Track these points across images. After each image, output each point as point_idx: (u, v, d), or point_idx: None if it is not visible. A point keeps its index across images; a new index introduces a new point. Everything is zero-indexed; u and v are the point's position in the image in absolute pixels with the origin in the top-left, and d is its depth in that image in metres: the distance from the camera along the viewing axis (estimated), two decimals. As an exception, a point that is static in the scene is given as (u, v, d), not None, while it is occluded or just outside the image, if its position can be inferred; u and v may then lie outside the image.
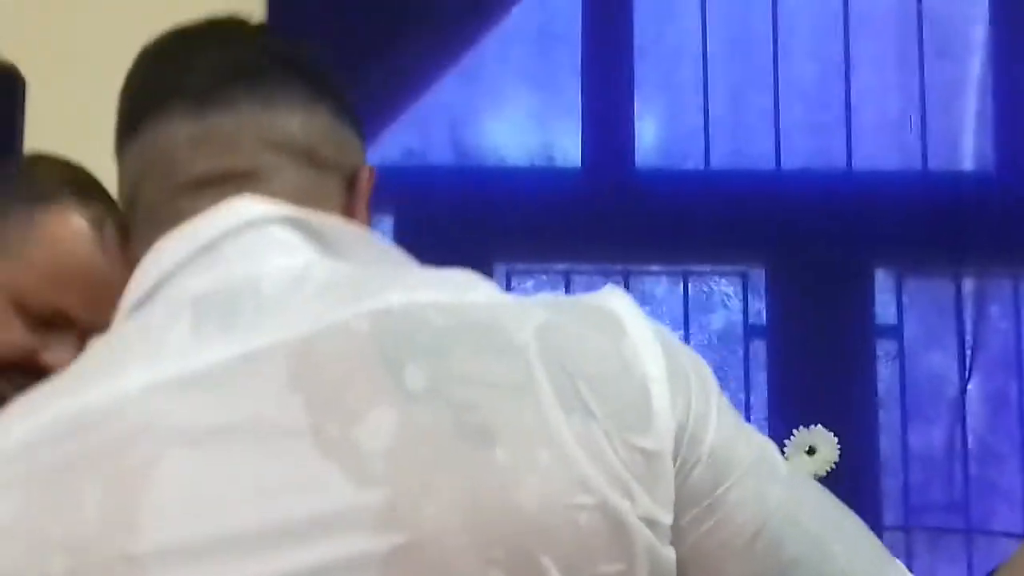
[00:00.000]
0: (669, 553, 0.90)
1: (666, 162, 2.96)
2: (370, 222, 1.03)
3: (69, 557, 0.81)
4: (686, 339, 2.91)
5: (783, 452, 2.71)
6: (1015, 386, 2.82)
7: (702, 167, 2.93)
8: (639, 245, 2.89)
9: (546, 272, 2.94)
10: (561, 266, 2.92)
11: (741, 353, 2.87)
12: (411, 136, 2.92)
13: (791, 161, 2.94)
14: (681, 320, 2.90)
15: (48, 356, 1.53)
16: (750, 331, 2.90)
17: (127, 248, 0.99)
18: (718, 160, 2.93)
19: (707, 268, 2.95)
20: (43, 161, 1.58)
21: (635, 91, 2.96)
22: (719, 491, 0.92)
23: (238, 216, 0.92)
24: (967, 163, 2.96)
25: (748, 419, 2.78)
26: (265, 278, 0.90)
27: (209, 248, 0.91)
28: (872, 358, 2.87)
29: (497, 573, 0.83)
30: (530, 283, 2.91)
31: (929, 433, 2.79)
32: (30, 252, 1.48)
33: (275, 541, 0.81)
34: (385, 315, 0.88)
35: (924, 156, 2.93)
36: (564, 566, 0.85)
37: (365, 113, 2.88)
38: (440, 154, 2.89)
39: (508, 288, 2.90)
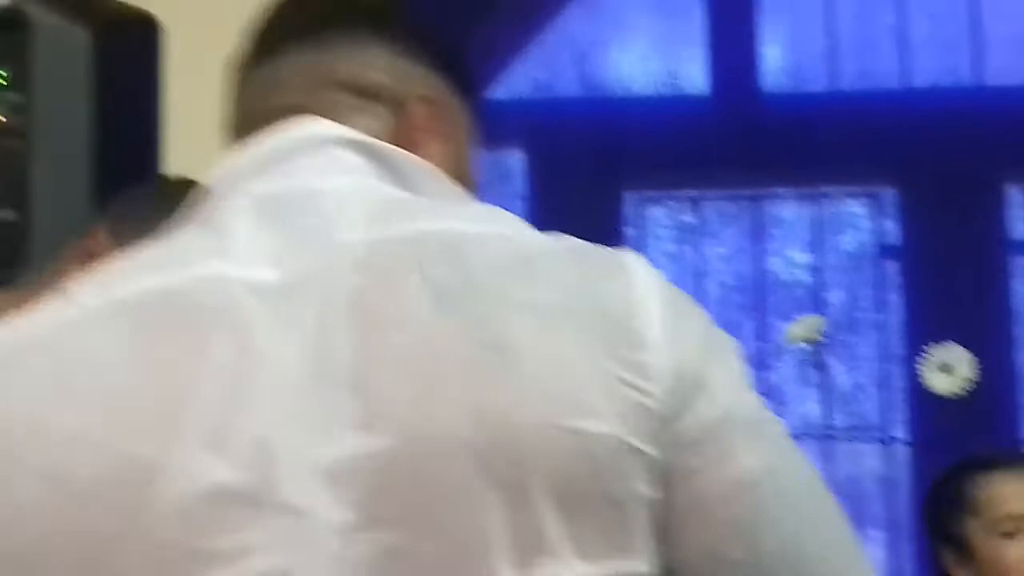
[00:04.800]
0: (656, 492, 0.90)
1: (793, 85, 2.97)
2: (445, 151, 1.07)
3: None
4: (817, 260, 2.93)
5: (918, 371, 2.73)
6: None
7: (829, 88, 2.94)
8: (767, 168, 2.90)
9: (674, 198, 2.97)
10: (690, 192, 2.95)
11: (873, 273, 2.89)
12: (538, 69, 2.95)
13: (919, 79, 2.93)
14: (810, 242, 2.92)
15: None
16: (882, 251, 2.91)
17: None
18: (845, 81, 2.93)
19: (836, 189, 2.96)
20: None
21: (759, 15, 2.97)
22: (717, 434, 0.92)
23: (299, 134, 1.00)
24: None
25: (883, 340, 2.80)
26: (326, 194, 0.96)
27: (267, 162, 0.99)
28: (1006, 274, 2.86)
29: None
30: (659, 209, 2.95)
31: (1066, 347, 2.79)
32: None
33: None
34: (420, 235, 0.93)
35: (1053, 68, 2.91)
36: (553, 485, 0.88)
37: (492, 48, 2.92)
38: (567, 86, 2.93)
39: (639, 215, 2.94)
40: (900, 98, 2.94)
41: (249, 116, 1.04)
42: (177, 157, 2.34)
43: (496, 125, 2.87)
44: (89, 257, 1.72)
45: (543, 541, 0.88)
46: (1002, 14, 2.93)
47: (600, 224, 2.89)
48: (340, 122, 1.01)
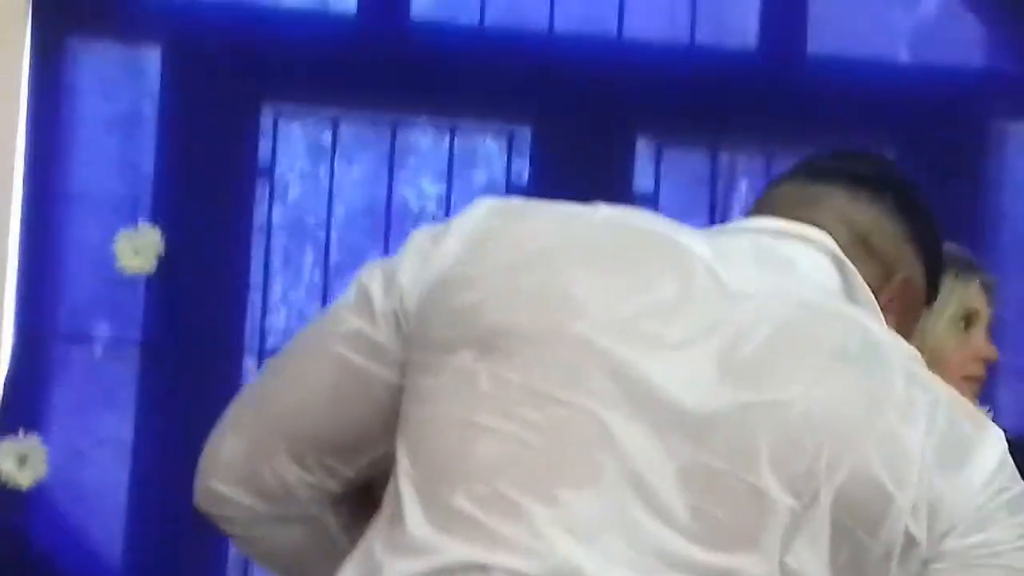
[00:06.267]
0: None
1: (441, 15, 2.98)
2: (896, 325, 1.32)
3: None
4: (448, 192, 2.95)
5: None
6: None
7: (476, 23, 2.95)
8: (409, 96, 2.91)
9: (314, 116, 2.94)
10: (328, 111, 2.93)
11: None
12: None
13: (564, 24, 2.98)
14: (445, 174, 2.94)
15: None
16: (512, 189, 2.96)
17: None
18: (493, 18, 2.96)
19: (474, 124, 2.99)
20: None
21: (413, -59, 2.96)
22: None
23: (808, 232, 1.29)
24: (732, 39, 3.04)
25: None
26: (801, 269, 1.27)
27: (777, 229, 1.28)
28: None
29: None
30: (296, 125, 2.91)
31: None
32: None
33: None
34: (854, 321, 1.25)
35: (692, 30, 3.00)
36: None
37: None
38: (214, -12, 2.86)
39: (275, 129, 2.90)
40: (544, 41, 2.98)
41: (778, 209, 1.30)
42: None
43: (135, 17, 2.79)
44: None
45: (810, 543, 1.15)
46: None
47: (236, 134, 2.84)
48: (841, 248, 1.28)
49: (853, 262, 1.30)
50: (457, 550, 1.14)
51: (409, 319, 1.21)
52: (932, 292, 1.40)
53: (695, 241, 1.25)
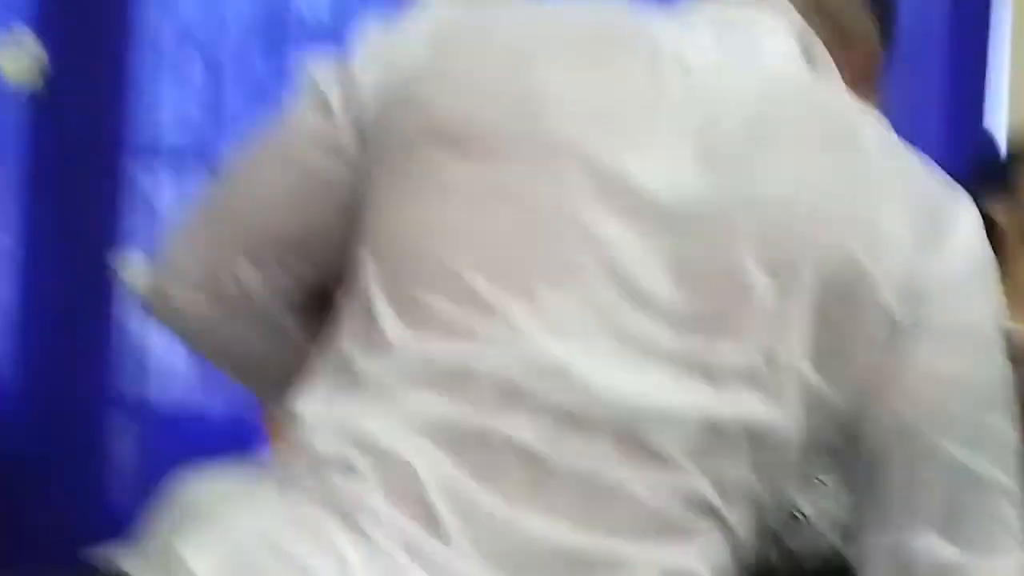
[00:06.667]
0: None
1: None
2: (857, 91, 1.29)
3: None
4: (343, 4, 2.90)
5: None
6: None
7: None
8: None
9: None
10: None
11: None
12: None
13: None
14: None
15: None
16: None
17: None
18: None
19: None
20: None
21: None
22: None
23: (776, 5, 1.27)
24: None
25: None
26: (766, 48, 1.25)
27: (741, 4, 1.26)
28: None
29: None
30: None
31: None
32: None
33: None
34: (825, 102, 1.24)
35: None
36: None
37: None
38: None
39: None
40: None
41: None
42: None
43: None
44: None
45: (793, 329, 1.13)
46: None
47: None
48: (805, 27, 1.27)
49: (819, 35, 1.28)
50: (436, 347, 1.13)
51: (371, 121, 1.20)
52: (888, 52, 1.39)
53: (659, 25, 1.22)
